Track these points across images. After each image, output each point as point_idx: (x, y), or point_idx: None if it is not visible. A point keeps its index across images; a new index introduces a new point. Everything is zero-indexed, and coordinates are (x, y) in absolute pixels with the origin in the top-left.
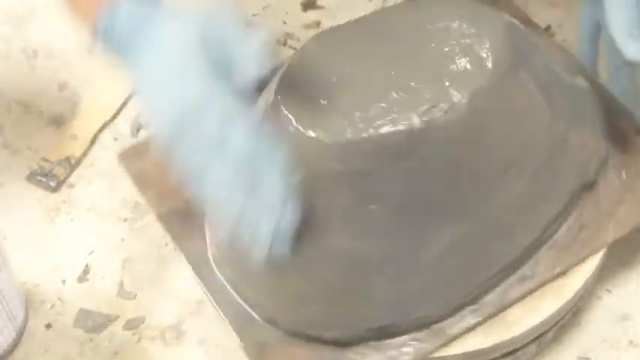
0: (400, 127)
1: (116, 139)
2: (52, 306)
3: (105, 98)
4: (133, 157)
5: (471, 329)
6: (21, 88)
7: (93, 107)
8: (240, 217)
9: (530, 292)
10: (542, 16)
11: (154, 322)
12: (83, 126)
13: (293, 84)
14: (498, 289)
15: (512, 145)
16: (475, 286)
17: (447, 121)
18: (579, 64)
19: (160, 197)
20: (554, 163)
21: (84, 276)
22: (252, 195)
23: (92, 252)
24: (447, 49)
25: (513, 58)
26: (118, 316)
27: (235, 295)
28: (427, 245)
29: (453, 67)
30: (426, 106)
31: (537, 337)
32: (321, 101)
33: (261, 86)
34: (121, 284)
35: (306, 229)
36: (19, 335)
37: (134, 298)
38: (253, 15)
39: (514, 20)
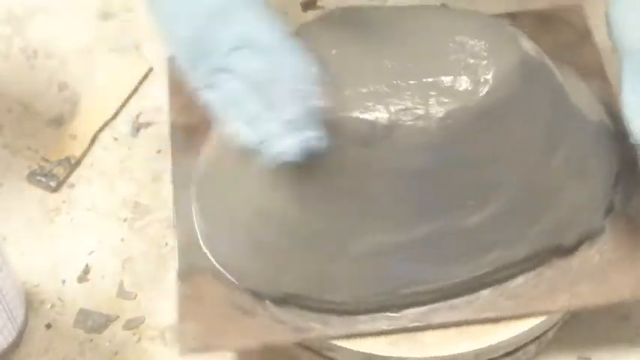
0: (367, 117)
1: (116, 139)
2: (52, 306)
3: (105, 98)
4: None
5: (377, 334)
6: (21, 88)
7: (93, 107)
8: (269, 108)
9: (455, 324)
10: None
11: (154, 322)
12: (83, 126)
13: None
14: (423, 308)
15: (477, 175)
16: (396, 296)
17: (414, 128)
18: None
19: (182, 109)
20: (523, 212)
21: (84, 276)
22: (279, 84)
23: (92, 252)
24: (449, 61)
25: (512, 93)
26: (118, 316)
27: (196, 224)
28: (357, 238)
29: (447, 80)
30: (400, 107)
31: (537, 337)
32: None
33: None
34: (121, 284)
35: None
36: (19, 335)
37: (134, 298)
38: None
39: (538, 57)
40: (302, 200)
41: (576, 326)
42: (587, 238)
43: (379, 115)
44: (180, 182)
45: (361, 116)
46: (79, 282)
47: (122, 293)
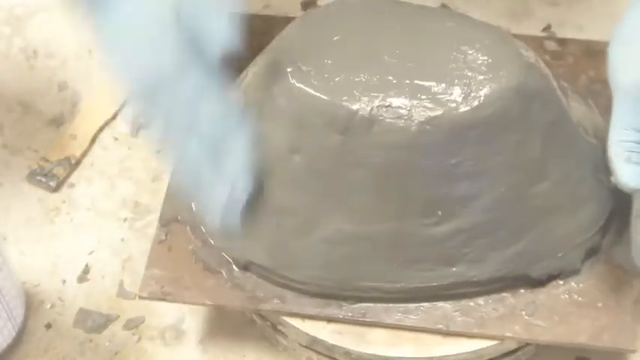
0: (349, 105)
1: (116, 139)
2: (52, 306)
3: (105, 98)
4: None
5: (326, 320)
6: (21, 88)
7: (93, 107)
8: (201, 184)
9: (404, 328)
10: (542, 16)
11: (154, 321)
12: (83, 126)
13: (292, 39)
14: (377, 306)
15: (452, 187)
16: (353, 288)
17: (393, 126)
18: None
19: None
20: (494, 234)
21: (84, 276)
22: (214, 165)
23: (92, 252)
24: (447, 69)
25: (503, 113)
26: (118, 316)
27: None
28: (324, 222)
29: (439, 87)
30: (385, 103)
31: None
32: (306, 65)
33: (230, 61)
34: (121, 284)
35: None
36: (19, 335)
37: (134, 298)
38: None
39: (541, 81)
40: (274, 173)
41: None
42: (560, 275)
43: (362, 106)
44: None
45: (344, 104)
46: (79, 282)
47: (122, 293)
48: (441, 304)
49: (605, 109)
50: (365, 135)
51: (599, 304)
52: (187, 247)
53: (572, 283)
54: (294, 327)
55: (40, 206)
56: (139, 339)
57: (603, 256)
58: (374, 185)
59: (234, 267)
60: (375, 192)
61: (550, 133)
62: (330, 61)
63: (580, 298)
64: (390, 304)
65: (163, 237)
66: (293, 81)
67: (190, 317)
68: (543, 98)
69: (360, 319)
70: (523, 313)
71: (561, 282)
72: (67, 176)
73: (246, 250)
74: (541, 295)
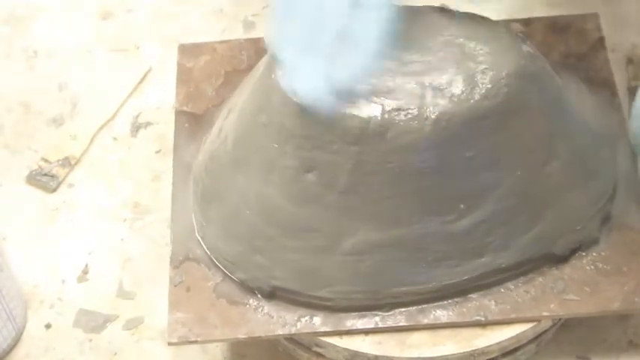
0: (360, 114)
1: (116, 139)
2: (52, 306)
3: (105, 98)
4: (189, 53)
5: (364, 332)
6: (21, 88)
7: (93, 107)
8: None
9: (442, 326)
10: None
11: (154, 322)
12: (83, 126)
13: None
14: (411, 309)
15: (471, 178)
16: (385, 295)
17: (408, 128)
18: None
19: (187, 97)
20: (516, 219)
21: (83, 276)
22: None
23: (92, 252)
24: (448, 63)
25: (509, 99)
26: (118, 316)
27: (192, 213)
28: (348, 235)
29: (444, 82)
30: (395, 106)
31: (537, 337)
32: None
33: None
34: (121, 284)
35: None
36: (19, 335)
37: (134, 298)
38: (253, 15)
39: (538, 65)
40: (295, 195)
41: (575, 326)
42: (581, 247)
43: (373, 113)
44: (180, 171)
45: (355, 113)
46: (79, 282)
47: (122, 293)
48: (473, 295)
49: (587, 80)
50: (380, 142)
51: (624, 269)
52: (206, 285)
53: (594, 253)
54: (333, 345)
55: (40, 206)
56: (139, 339)
57: (615, 222)
58: (394, 190)
59: (259, 296)
60: (395, 197)
61: (553, 111)
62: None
63: (605, 266)
64: (424, 305)
65: (180, 279)
66: (296, 100)
67: None
68: (542, 80)
69: (398, 324)
70: (555, 290)
71: (583, 254)
72: (67, 176)
73: (269, 276)
74: (567, 269)
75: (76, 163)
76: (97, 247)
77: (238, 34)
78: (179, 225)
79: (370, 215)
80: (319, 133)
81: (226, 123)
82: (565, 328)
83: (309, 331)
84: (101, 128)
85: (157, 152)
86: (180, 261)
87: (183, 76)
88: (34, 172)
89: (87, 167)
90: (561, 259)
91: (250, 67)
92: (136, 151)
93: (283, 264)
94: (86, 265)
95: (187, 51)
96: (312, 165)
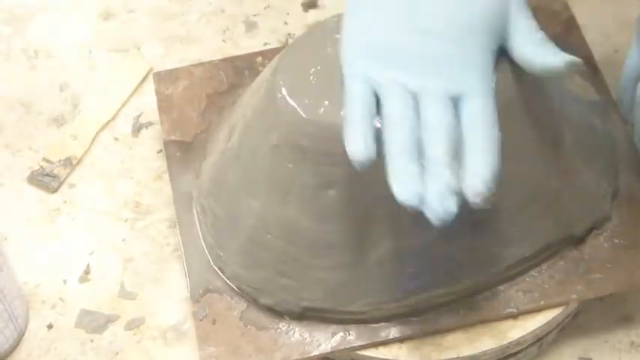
0: (379, 125)
1: (117, 139)
2: (53, 306)
3: (105, 98)
4: (166, 79)
5: (400, 340)
6: (21, 88)
7: (93, 107)
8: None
9: (476, 323)
10: None
11: (155, 322)
12: (84, 126)
13: (295, 58)
14: (441, 310)
15: None
16: (415, 300)
17: None
18: (618, 112)
19: (173, 125)
20: (535, 207)
21: (85, 276)
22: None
23: (93, 252)
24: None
25: (518, 92)
26: (119, 317)
27: (202, 239)
28: (375, 245)
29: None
30: None
31: (539, 339)
32: (314, 78)
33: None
34: (122, 284)
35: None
36: (20, 335)
37: (135, 298)
38: (254, 15)
39: None
40: (318, 213)
41: (577, 327)
42: (596, 226)
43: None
44: (181, 201)
45: None
46: (80, 282)
47: (123, 293)
48: (500, 288)
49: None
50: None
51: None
52: (232, 314)
53: (609, 230)
54: (370, 357)
55: (41, 206)
56: (140, 339)
57: (622, 197)
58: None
59: (287, 319)
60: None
61: (554, 94)
62: (335, 91)
63: (621, 241)
64: (453, 304)
65: (204, 312)
66: (308, 117)
67: (191, 318)
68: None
69: (433, 328)
70: (579, 271)
71: (598, 232)
72: (68, 176)
73: (297, 297)
74: (586, 249)
75: (77, 163)
76: (98, 247)
77: (240, 34)
78: (192, 257)
79: (395, 223)
80: (337, 149)
81: (229, 147)
82: (566, 329)
83: (345, 347)
84: (102, 128)
85: (159, 152)
86: (200, 294)
87: (164, 103)
88: (35, 173)
89: (88, 167)
90: (579, 240)
91: (232, 87)
92: (138, 151)
93: (312, 284)
94: (88, 266)
95: (164, 78)
96: (332, 181)
